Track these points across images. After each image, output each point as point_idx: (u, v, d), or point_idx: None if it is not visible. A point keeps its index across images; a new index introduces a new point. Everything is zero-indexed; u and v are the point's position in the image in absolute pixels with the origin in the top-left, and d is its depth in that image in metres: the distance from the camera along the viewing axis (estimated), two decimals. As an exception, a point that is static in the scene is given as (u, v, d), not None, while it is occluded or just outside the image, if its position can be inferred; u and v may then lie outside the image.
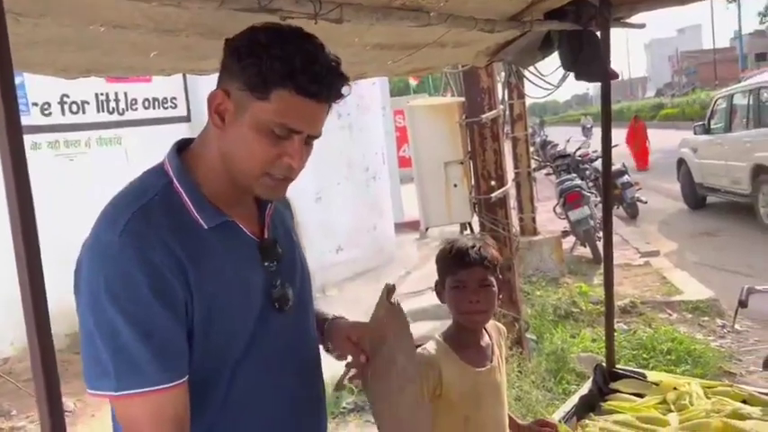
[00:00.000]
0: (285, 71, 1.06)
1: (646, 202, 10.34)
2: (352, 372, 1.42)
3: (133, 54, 1.33)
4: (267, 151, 1.11)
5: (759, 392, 2.17)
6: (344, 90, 1.13)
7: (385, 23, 1.45)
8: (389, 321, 1.36)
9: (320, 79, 1.09)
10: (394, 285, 1.39)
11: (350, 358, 1.43)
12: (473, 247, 1.70)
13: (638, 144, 16.52)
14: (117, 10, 1.08)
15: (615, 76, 2.56)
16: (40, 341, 0.88)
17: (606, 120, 2.48)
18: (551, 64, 2.83)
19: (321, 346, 1.44)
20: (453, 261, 1.71)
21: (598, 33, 2.32)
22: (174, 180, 1.15)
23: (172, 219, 1.10)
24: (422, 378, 1.44)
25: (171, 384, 1.06)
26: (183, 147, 1.21)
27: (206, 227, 1.14)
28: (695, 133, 10.84)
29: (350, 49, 1.68)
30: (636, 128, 16.96)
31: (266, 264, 1.21)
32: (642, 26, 2.57)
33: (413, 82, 14.01)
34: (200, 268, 1.10)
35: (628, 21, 2.45)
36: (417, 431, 1.31)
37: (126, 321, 1.03)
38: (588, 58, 2.37)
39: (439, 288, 1.80)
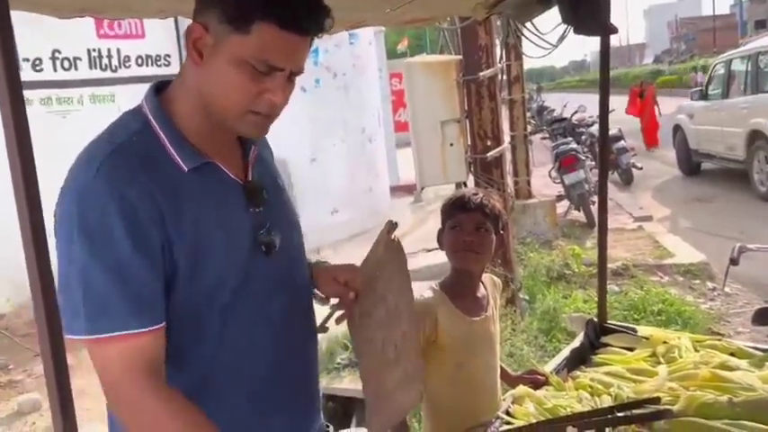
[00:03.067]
0: (267, 3, 1.03)
1: (641, 168, 10.35)
2: (339, 313, 1.41)
3: (129, -8, 1.31)
4: (248, 88, 1.07)
5: (747, 346, 2.20)
6: (327, 23, 1.09)
7: (384, -34, 1.42)
8: (387, 258, 1.35)
9: (303, 11, 1.06)
10: (396, 222, 1.38)
11: (335, 300, 1.41)
12: (475, 194, 1.74)
13: (647, 116, 12.70)
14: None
15: (615, 30, 2.53)
16: (44, 295, 0.86)
17: (604, 80, 2.46)
18: (550, 22, 2.80)
19: None
20: (454, 205, 1.77)
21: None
22: (153, 121, 1.11)
23: (149, 160, 1.07)
24: (417, 320, 1.44)
25: (144, 329, 1.05)
26: (161, 88, 1.17)
27: (186, 168, 1.10)
28: (692, 99, 10.80)
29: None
30: (643, 95, 12.96)
31: (251, 207, 1.19)
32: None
33: (403, 47, 13.84)
34: (179, 210, 1.07)
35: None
36: (409, 362, 1.29)
37: (99, 264, 1.01)
38: (588, 11, 2.34)
39: (439, 235, 1.83)
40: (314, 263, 1.42)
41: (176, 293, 1.09)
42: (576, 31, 2.44)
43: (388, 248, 1.36)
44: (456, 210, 1.76)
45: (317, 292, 1.41)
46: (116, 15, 1.38)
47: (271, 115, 1.13)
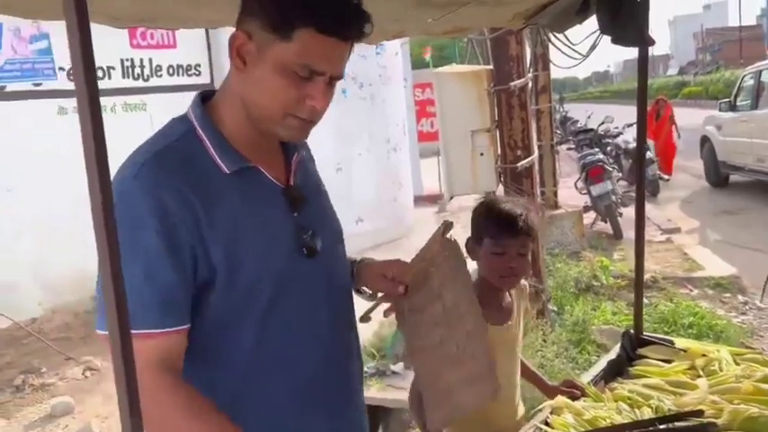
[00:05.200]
0: (308, 10, 1.05)
1: (668, 180, 10.25)
2: (386, 305, 1.41)
3: (185, 4, 1.34)
4: (290, 93, 1.10)
5: (789, 360, 2.17)
6: (366, 28, 1.11)
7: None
8: (443, 257, 1.36)
9: (344, 17, 1.08)
10: (452, 222, 1.38)
11: (380, 294, 1.42)
12: (521, 215, 1.68)
13: (663, 139, 11.23)
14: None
15: (653, 41, 2.52)
16: (117, 296, 0.88)
17: (642, 91, 2.45)
18: (580, 34, 2.80)
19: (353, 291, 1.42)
20: (499, 226, 1.69)
21: (637, -3, 2.29)
22: (197, 126, 1.14)
23: (190, 163, 1.10)
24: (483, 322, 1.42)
25: (166, 330, 1.06)
26: (206, 97, 1.20)
27: (227, 171, 1.13)
28: (720, 110, 10.67)
29: (390, 6, 1.68)
30: (659, 114, 11.40)
31: (293, 211, 1.21)
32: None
33: (426, 57, 13.84)
34: (215, 213, 1.09)
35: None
36: (475, 362, 1.29)
37: (130, 262, 1.02)
38: (626, 21, 2.34)
39: (471, 245, 1.76)
40: (358, 261, 1.44)
41: (215, 295, 1.11)
42: (615, 42, 2.44)
43: (444, 248, 1.36)
44: (501, 232, 1.69)
45: (365, 288, 1.42)
46: (168, 25, 1.42)
47: (312, 120, 1.15)
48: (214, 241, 1.08)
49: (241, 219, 1.12)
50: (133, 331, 1.01)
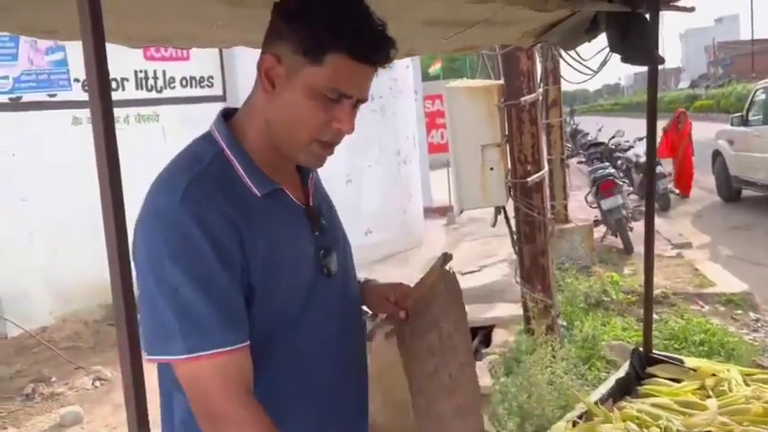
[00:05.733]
0: (339, 35, 1.07)
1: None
2: (389, 327, 1.44)
3: (199, 24, 1.36)
4: (318, 117, 1.11)
5: (800, 381, 2.15)
6: (392, 54, 1.14)
7: (441, -2, 1.46)
8: (440, 289, 1.37)
9: (373, 43, 1.10)
10: (451, 255, 1.40)
11: (383, 316, 1.43)
12: None
13: (681, 157, 10.88)
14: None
15: (662, 60, 2.53)
16: (126, 304, 0.90)
17: (652, 106, 2.45)
18: (591, 49, 2.81)
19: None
20: None
21: (647, 16, 2.30)
22: (225, 148, 1.15)
23: (226, 186, 1.11)
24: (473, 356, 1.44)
25: (237, 346, 1.07)
26: (227, 115, 1.21)
27: (258, 194, 1.15)
28: (732, 125, 10.62)
29: (401, 25, 1.69)
30: (678, 128, 11.10)
31: (313, 230, 1.23)
32: (691, 9, 2.53)
33: (435, 69, 13.87)
34: (255, 234, 1.11)
35: (676, 4, 2.42)
36: (465, 395, 1.31)
37: (190, 282, 1.04)
38: (635, 40, 2.34)
39: None
40: (363, 281, 1.46)
41: (250, 316, 1.12)
42: (624, 60, 2.45)
43: (442, 279, 1.38)
44: None
45: (366, 309, 1.44)
46: (182, 45, 1.43)
47: (334, 143, 1.17)
48: (254, 262, 1.11)
49: (274, 240, 1.15)
50: (197, 353, 1.03)
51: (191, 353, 1.04)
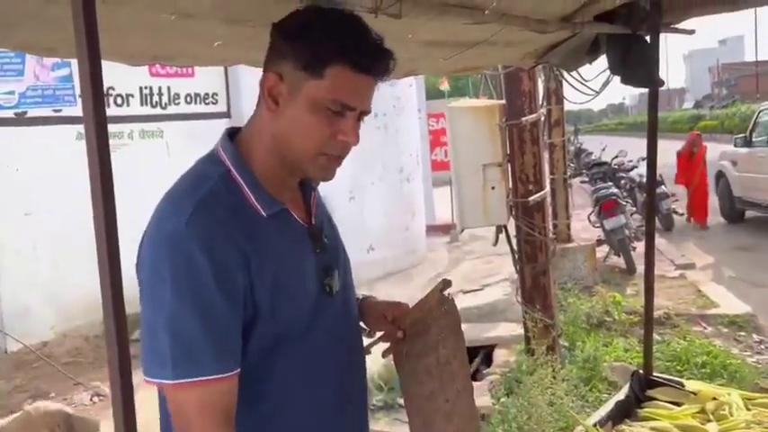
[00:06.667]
0: (339, 48, 1.09)
1: (682, 215, 10.18)
2: (385, 345, 1.44)
3: (198, 43, 1.37)
4: (323, 130, 1.13)
5: (801, 406, 2.13)
6: (391, 65, 1.16)
7: (441, 20, 1.47)
8: (439, 313, 1.38)
9: (372, 54, 1.12)
10: (450, 281, 1.41)
11: (380, 333, 1.46)
12: None
13: (695, 184, 10.24)
14: (191, -1, 1.12)
15: (661, 83, 2.54)
16: (117, 324, 0.90)
17: (652, 127, 2.46)
18: (593, 70, 2.82)
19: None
20: None
21: (647, 38, 2.31)
22: (232, 169, 1.16)
23: (233, 208, 1.12)
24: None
25: (225, 375, 1.08)
26: (232, 135, 1.22)
27: (265, 214, 1.16)
28: (736, 146, 10.63)
29: (403, 45, 1.70)
30: (692, 153, 10.46)
31: (315, 249, 1.24)
32: (692, 32, 2.55)
33: (445, 87, 13.94)
34: (261, 255, 1.12)
35: (677, 26, 2.43)
36: (462, 421, 1.32)
37: (188, 309, 1.05)
38: (636, 62, 2.35)
39: None
40: (361, 298, 1.47)
41: (253, 335, 1.14)
42: (624, 82, 2.46)
43: (442, 304, 1.39)
44: None
45: (364, 326, 1.45)
46: (184, 63, 1.46)
47: (341, 156, 1.19)
48: (261, 283, 1.11)
49: (280, 260, 1.16)
50: (184, 380, 1.05)
51: (177, 379, 1.05)
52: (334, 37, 1.09)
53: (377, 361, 1.53)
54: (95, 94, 0.87)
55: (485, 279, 7.16)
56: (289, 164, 1.18)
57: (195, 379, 1.05)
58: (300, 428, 1.23)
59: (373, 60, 1.13)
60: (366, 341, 1.45)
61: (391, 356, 1.48)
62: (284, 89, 1.12)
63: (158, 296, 1.06)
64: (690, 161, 10.48)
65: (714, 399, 2.20)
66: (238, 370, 1.11)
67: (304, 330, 1.19)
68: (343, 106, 1.13)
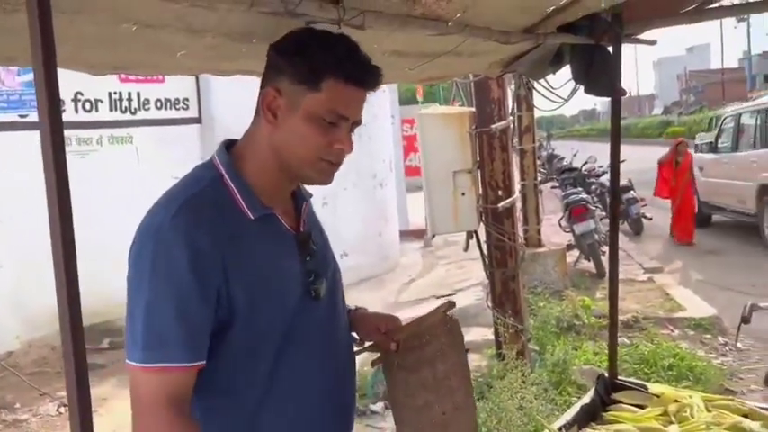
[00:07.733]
0: (333, 62, 1.18)
1: (651, 219, 10.36)
2: (375, 354, 1.48)
3: (160, 53, 1.37)
4: (319, 140, 1.21)
5: (760, 407, 2.18)
6: (380, 80, 1.26)
7: (405, 31, 1.49)
8: (441, 331, 1.43)
9: (363, 68, 1.22)
10: (454, 302, 1.46)
11: (368, 343, 1.50)
12: None
13: (681, 196, 9.45)
14: (150, 9, 1.12)
15: (623, 93, 2.60)
16: (73, 335, 0.91)
17: (615, 135, 2.52)
18: (562, 77, 2.87)
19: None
20: None
21: (610, 49, 2.35)
22: (225, 174, 1.23)
23: (219, 208, 1.19)
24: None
25: (189, 365, 1.13)
26: (229, 146, 1.30)
27: (252, 217, 1.22)
28: (701, 151, 10.85)
29: (370, 56, 1.72)
30: (676, 162, 9.58)
31: (302, 255, 1.30)
32: (653, 43, 2.61)
33: (420, 98, 14.03)
34: (241, 256, 1.18)
35: (639, 37, 2.48)
36: None
37: (164, 297, 1.11)
38: (599, 72, 2.40)
39: None
40: (353, 309, 1.52)
41: (232, 333, 1.18)
42: (587, 91, 2.50)
43: (444, 324, 1.43)
44: None
45: (356, 336, 1.50)
46: (146, 72, 1.45)
47: (338, 163, 1.27)
48: (238, 283, 1.16)
49: (261, 262, 1.21)
50: (151, 364, 1.10)
51: (144, 362, 1.11)
52: (329, 53, 1.19)
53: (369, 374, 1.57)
54: (51, 102, 0.87)
55: (458, 284, 7.21)
56: (290, 171, 1.25)
57: (160, 365, 1.11)
58: (287, 428, 1.26)
59: (365, 74, 1.23)
60: (355, 349, 1.49)
61: (380, 366, 1.52)
62: (282, 103, 1.21)
63: (139, 283, 1.13)
64: (673, 171, 9.63)
65: (676, 401, 2.25)
66: (203, 363, 1.16)
67: (289, 331, 1.23)
68: (338, 117, 1.21)
